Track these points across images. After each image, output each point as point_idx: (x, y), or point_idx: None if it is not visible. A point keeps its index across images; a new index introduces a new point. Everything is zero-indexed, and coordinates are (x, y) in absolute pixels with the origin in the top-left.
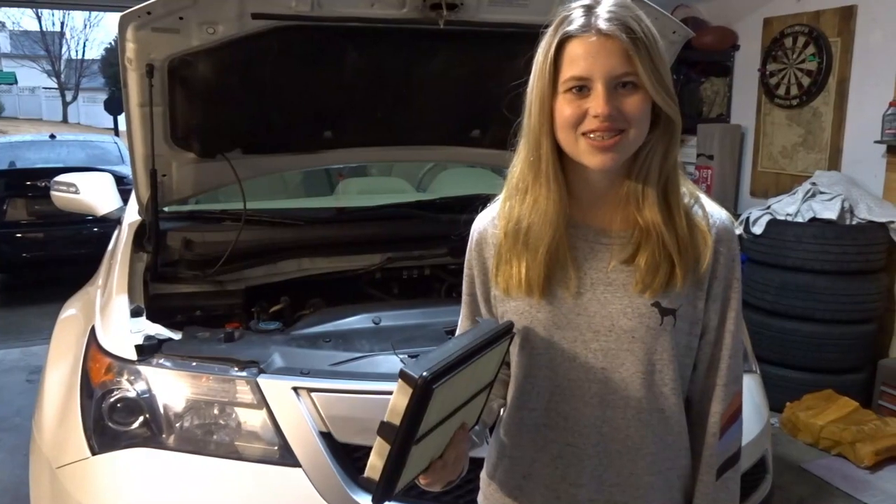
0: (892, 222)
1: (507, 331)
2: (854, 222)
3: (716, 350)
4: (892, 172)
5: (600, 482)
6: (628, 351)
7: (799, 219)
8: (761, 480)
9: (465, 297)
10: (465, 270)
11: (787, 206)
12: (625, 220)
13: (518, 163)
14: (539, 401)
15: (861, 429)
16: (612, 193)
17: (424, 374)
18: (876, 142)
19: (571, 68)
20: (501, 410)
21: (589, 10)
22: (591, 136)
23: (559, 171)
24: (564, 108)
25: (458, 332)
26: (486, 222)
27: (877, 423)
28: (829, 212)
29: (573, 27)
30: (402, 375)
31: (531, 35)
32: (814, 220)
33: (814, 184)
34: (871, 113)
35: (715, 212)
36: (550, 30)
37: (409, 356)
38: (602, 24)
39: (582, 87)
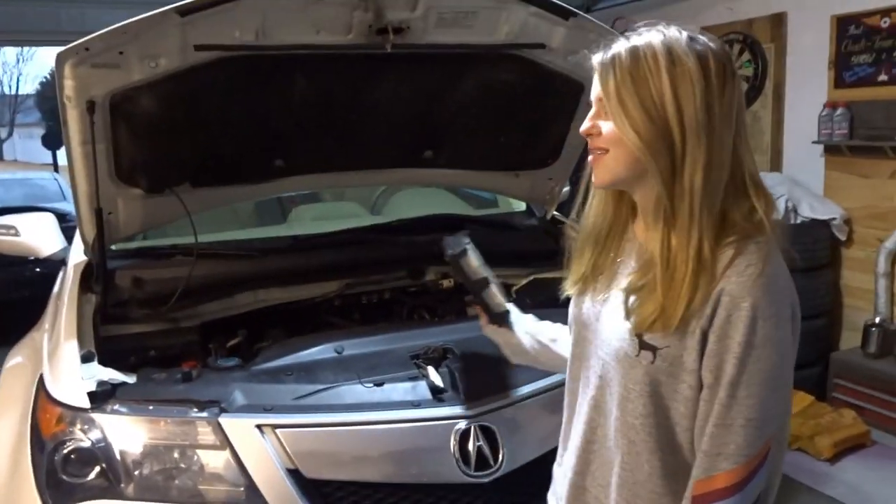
0: (834, 219)
1: None
2: (798, 221)
3: (708, 410)
4: (830, 171)
5: (593, 477)
6: (615, 369)
7: None
8: None
9: None
10: None
11: None
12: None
13: None
14: (567, 391)
15: (818, 422)
16: (650, 212)
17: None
18: (814, 142)
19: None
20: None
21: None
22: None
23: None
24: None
25: None
26: None
27: (833, 416)
28: None
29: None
30: None
31: (478, 56)
32: None
33: None
34: (807, 114)
35: (746, 265)
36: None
37: (374, 384)
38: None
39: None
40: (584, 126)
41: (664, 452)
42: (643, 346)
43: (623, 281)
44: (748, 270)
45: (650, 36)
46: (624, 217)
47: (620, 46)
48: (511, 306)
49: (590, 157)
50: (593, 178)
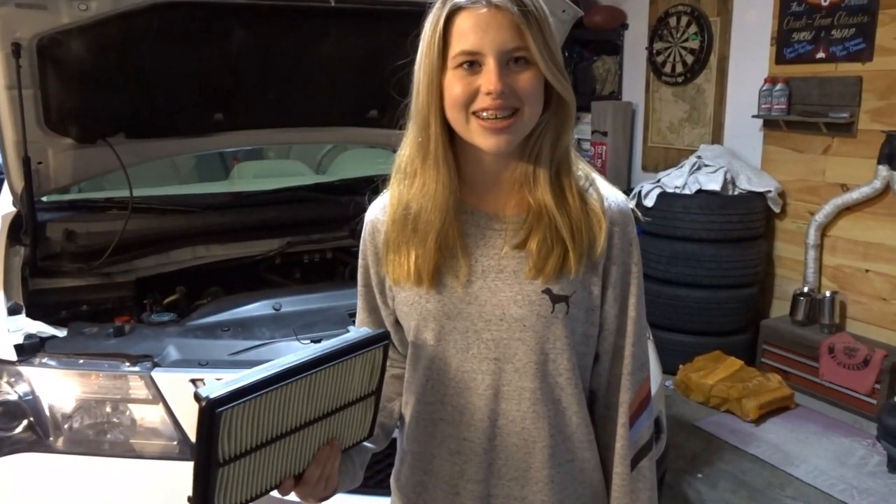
0: (770, 192)
1: (377, 339)
2: (736, 193)
3: (618, 339)
4: (768, 145)
5: (499, 476)
6: (520, 340)
7: (686, 191)
8: (657, 441)
9: (360, 289)
10: (360, 261)
11: (676, 179)
12: (518, 205)
13: (406, 145)
14: (434, 394)
15: (746, 385)
16: (505, 176)
17: (210, 396)
18: (753, 116)
19: (461, 42)
20: (400, 407)
21: None
22: (484, 115)
23: (449, 152)
24: (454, 85)
25: (356, 324)
26: (377, 210)
27: (760, 380)
28: (714, 183)
29: None
30: (194, 395)
31: (425, 13)
32: (700, 191)
33: (699, 157)
34: (748, 89)
35: (610, 194)
36: (438, 2)
37: (311, 341)
38: None
39: (472, 63)
40: (496, 85)
41: (582, 397)
42: (555, 299)
43: (496, 250)
44: (618, 198)
45: None
46: (458, 191)
47: None
48: None
49: (478, 123)
50: (496, 145)
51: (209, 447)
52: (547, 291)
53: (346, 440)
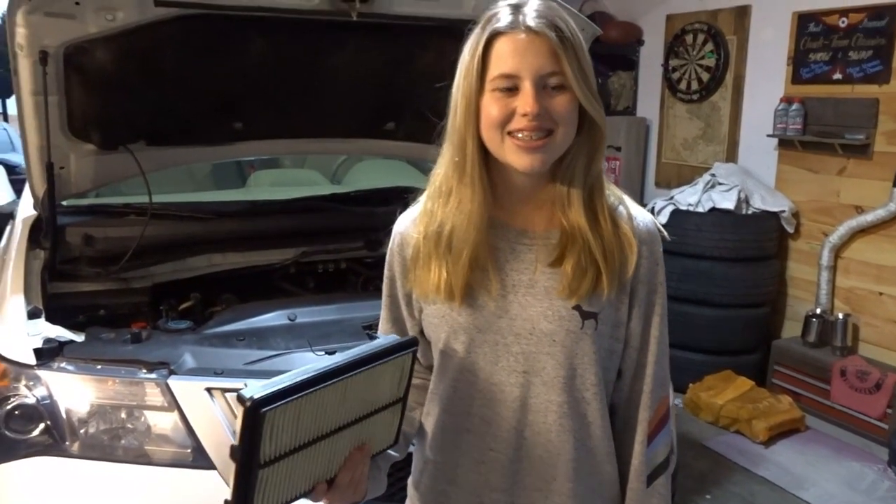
0: (783, 211)
1: (406, 345)
2: (749, 212)
3: (641, 356)
4: (782, 164)
5: (523, 487)
6: (548, 354)
7: (700, 209)
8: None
9: (384, 300)
10: (386, 271)
11: (689, 197)
12: (548, 222)
13: (442, 164)
14: (461, 405)
15: (756, 406)
16: (537, 196)
17: (255, 396)
18: (768, 135)
19: (500, 66)
20: (420, 416)
21: (516, 8)
22: (519, 135)
23: (484, 172)
24: (491, 106)
25: (379, 334)
26: (407, 222)
27: (770, 401)
28: (728, 202)
29: (501, 24)
30: (238, 397)
31: (444, 28)
32: (713, 209)
33: (713, 175)
34: (763, 108)
35: (639, 215)
36: (478, 28)
37: (325, 353)
38: (531, 22)
39: (510, 86)
40: (532, 107)
41: (606, 411)
42: (585, 315)
43: (526, 265)
44: (646, 218)
45: (556, 7)
46: (491, 209)
47: (552, 18)
48: None
49: (513, 143)
50: (530, 164)
51: (251, 447)
52: (577, 308)
53: (374, 446)
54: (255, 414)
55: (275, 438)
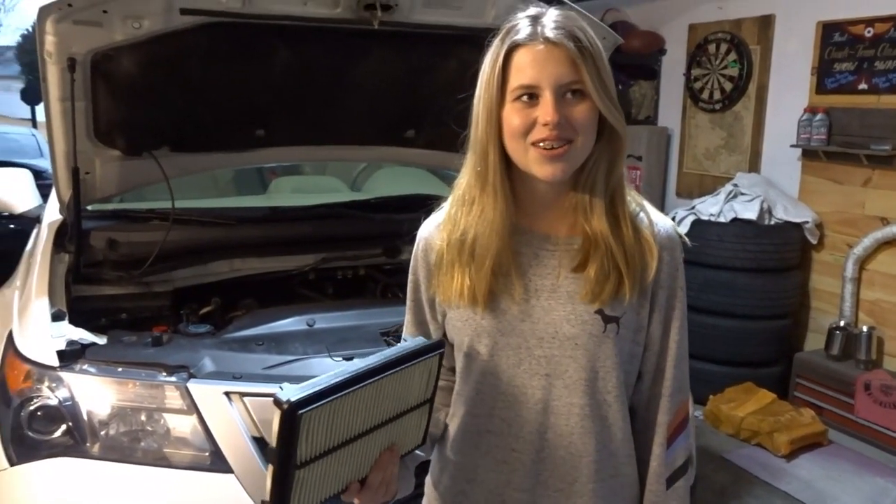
0: (807, 222)
1: (434, 347)
2: (772, 222)
3: (661, 360)
4: (806, 175)
5: (545, 487)
6: (571, 358)
7: (721, 219)
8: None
9: (409, 303)
10: (410, 276)
11: (711, 207)
12: (570, 228)
13: (465, 173)
14: (483, 407)
15: (778, 419)
16: (559, 203)
17: (291, 399)
18: (792, 146)
19: (520, 77)
20: (446, 417)
21: (535, 19)
22: (541, 145)
23: (506, 181)
24: (513, 117)
25: (405, 337)
26: (431, 228)
27: (792, 414)
28: (750, 212)
29: (520, 36)
30: (274, 400)
31: (465, 37)
32: (735, 220)
33: (735, 185)
34: (787, 118)
35: (660, 221)
36: (497, 40)
37: (343, 358)
38: (549, 33)
39: (531, 96)
40: (553, 116)
41: (627, 414)
42: (607, 319)
43: (549, 270)
44: (666, 224)
45: (575, 17)
46: (514, 216)
47: (571, 28)
48: None
49: (535, 152)
50: (552, 173)
51: (289, 449)
52: (599, 312)
53: (403, 446)
54: (292, 416)
55: (311, 440)
